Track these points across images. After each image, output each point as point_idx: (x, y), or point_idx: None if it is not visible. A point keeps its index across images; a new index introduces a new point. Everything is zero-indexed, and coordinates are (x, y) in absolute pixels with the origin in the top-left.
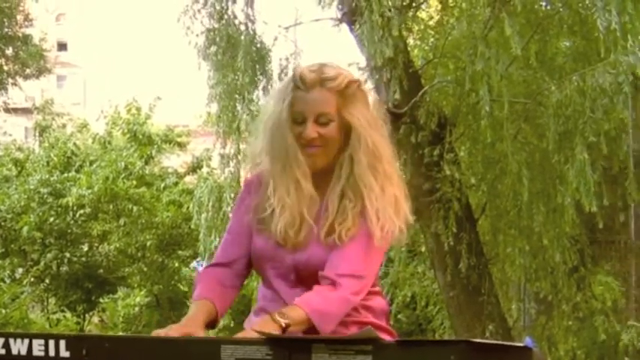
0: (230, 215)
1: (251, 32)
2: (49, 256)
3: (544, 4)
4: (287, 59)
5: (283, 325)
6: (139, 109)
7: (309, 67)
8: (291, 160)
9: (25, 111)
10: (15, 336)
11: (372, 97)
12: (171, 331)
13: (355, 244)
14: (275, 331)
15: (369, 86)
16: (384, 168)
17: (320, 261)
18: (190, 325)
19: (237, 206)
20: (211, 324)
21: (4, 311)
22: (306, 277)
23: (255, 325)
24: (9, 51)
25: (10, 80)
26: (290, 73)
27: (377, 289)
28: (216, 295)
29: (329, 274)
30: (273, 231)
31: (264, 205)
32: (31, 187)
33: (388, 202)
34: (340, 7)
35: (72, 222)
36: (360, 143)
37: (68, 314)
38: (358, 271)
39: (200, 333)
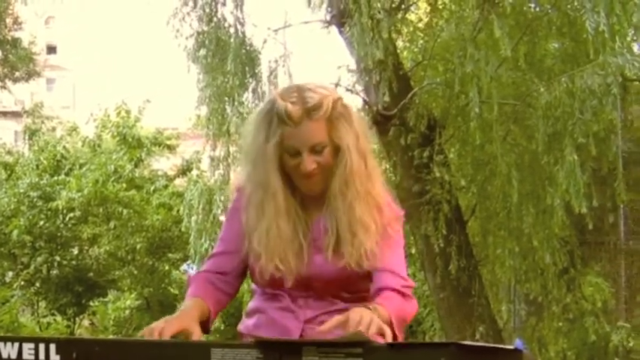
0: (222, 219)
1: (240, 35)
2: (39, 259)
3: (533, 5)
4: (276, 61)
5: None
6: (128, 112)
7: (288, 97)
8: (269, 198)
9: (15, 114)
10: (5, 340)
11: (354, 109)
12: (167, 324)
13: (397, 251)
14: (374, 320)
15: (358, 88)
16: (356, 188)
17: (330, 271)
18: (184, 318)
19: (230, 213)
20: (204, 324)
21: None
22: (315, 285)
23: (350, 313)
24: None
25: (0, 83)
26: (280, 75)
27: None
28: (209, 295)
29: (394, 286)
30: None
31: (245, 248)
32: (21, 190)
33: (359, 225)
34: (329, 9)
35: (62, 225)
36: (339, 166)
37: (58, 318)
38: (409, 279)
39: (196, 327)
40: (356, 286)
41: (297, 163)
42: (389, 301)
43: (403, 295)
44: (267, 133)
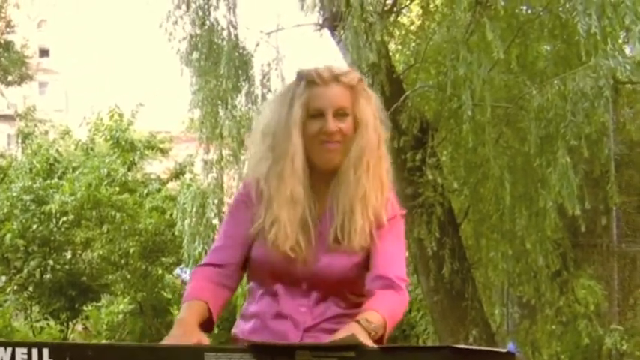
0: (215, 223)
1: (233, 38)
2: (33, 263)
3: (525, 8)
4: (269, 65)
5: (372, 333)
6: (121, 116)
7: (315, 67)
8: (288, 163)
9: (7, 118)
10: None
11: (375, 95)
12: (179, 340)
13: (396, 245)
14: (365, 338)
15: None
16: (367, 164)
17: (336, 269)
18: (191, 331)
19: (234, 209)
20: (205, 324)
21: None
22: (320, 284)
23: (342, 333)
24: None
25: None
26: (273, 79)
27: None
28: (208, 294)
29: (388, 275)
30: (269, 245)
31: (261, 218)
32: (14, 194)
33: (361, 202)
34: (322, 12)
35: (55, 229)
36: (357, 139)
37: (52, 322)
38: (405, 273)
39: (204, 337)
40: (360, 288)
41: (320, 126)
42: (382, 303)
43: (395, 288)
44: (292, 97)
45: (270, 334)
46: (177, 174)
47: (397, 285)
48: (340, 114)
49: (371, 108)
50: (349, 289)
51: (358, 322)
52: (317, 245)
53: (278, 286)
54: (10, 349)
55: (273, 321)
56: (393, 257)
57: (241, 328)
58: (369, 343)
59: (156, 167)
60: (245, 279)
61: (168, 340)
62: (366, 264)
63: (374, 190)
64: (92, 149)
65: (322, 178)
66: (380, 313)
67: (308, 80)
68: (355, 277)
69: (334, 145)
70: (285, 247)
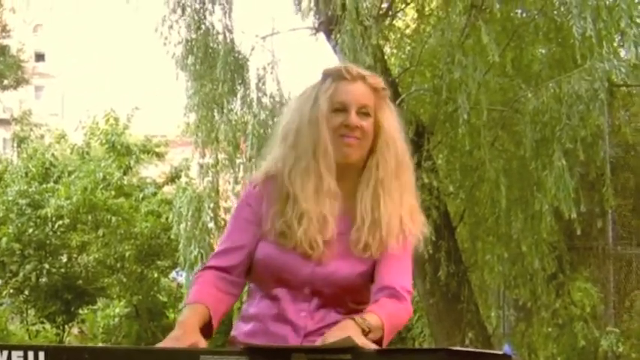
0: (211, 226)
1: (229, 42)
2: (28, 267)
3: (520, 11)
4: (264, 69)
5: (366, 330)
6: (117, 120)
7: (343, 64)
8: (318, 155)
9: (3, 122)
10: None
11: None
12: (177, 343)
13: (406, 257)
14: (358, 334)
15: None
16: (406, 177)
17: (345, 276)
18: (190, 333)
19: (238, 210)
20: (205, 329)
21: None
22: (322, 290)
23: (336, 330)
24: None
25: None
26: (269, 82)
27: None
28: (211, 299)
29: (393, 285)
30: (296, 240)
31: (281, 213)
32: (10, 198)
33: (405, 210)
34: (317, 16)
35: (51, 233)
36: (390, 147)
37: (48, 325)
38: (411, 286)
39: (201, 340)
40: (362, 297)
41: (342, 119)
42: (382, 308)
43: (399, 298)
44: (317, 93)
45: (270, 337)
46: (173, 178)
47: (401, 295)
48: (363, 112)
49: (396, 120)
50: (351, 298)
51: (353, 319)
52: (334, 245)
53: (279, 290)
54: (6, 353)
55: (273, 324)
56: (400, 270)
57: (240, 330)
58: (362, 340)
59: (151, 171)
60: None
61: (166, 341)
62: (371, 274)
63: (411, 198)
64: (88, 153)
65: (342, 176)
66: (378, 316)
67: (335, 75)
68: (359, 286)
69: (353, 140)
70: (317, 240)
